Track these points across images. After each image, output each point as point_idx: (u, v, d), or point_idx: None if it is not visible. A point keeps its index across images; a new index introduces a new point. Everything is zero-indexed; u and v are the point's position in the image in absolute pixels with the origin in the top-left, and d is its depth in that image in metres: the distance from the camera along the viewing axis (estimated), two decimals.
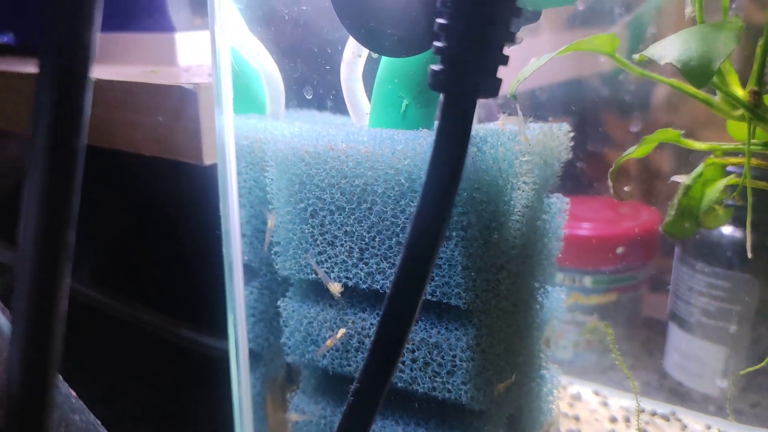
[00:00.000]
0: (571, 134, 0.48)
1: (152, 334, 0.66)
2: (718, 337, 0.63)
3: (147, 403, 0.71)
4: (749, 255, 0.44)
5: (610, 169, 0.47)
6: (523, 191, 0.45)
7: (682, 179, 0.49)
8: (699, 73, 0.39)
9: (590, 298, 0.69)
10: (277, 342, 0.53)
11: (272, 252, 0.48)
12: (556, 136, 0.47)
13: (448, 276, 0.42)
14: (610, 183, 0.47)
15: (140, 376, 0.71)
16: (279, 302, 0.49)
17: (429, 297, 0.43)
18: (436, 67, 0.33)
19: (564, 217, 0.49)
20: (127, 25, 0.61)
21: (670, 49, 0.40)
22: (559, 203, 0.48)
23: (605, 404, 0.62)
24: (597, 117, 0.73)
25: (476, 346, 0.43)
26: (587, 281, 0.69)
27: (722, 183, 0.47)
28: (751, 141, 0.45)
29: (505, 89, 0.50)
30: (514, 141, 0.43)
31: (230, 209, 0.47)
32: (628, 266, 0.70)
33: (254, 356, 0.53)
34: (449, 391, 0.44)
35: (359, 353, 0.47)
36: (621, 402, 0.62)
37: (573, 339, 0.69)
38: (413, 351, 0.45)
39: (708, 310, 0.63)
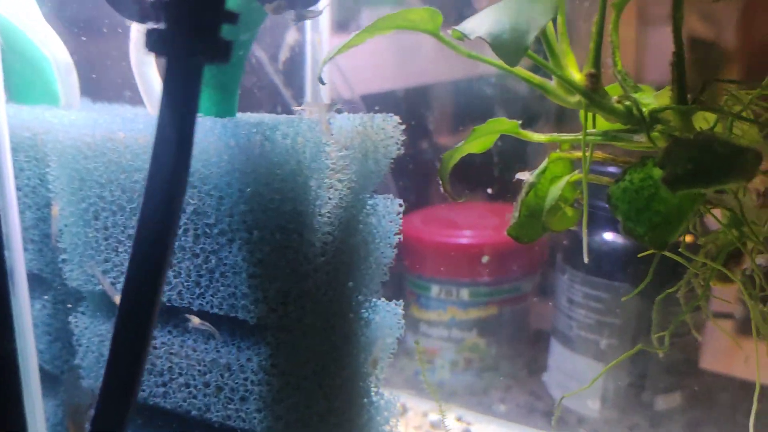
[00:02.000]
0: (403, 127, 0.43)
1: None
2: (596, 353, 0.58)
3: None
4: (585, 259, 0.39)
5: (439, 167, 0.42)
6: (335, 189, 0.39)
7: (526, 176, 0.44)
8: (511, 47, 0.34)
9: (468, 312, 0.63)
10: None
11: (60, 260, 0.42)
12: (380, 129, 0.42)
13: (233, 285, 0.36)
14: (440, 181, 0.42)
15: None
16: (70, 318, 0.43)
17: (216, 310, 0.37)
18: (151, 26, 0.27)
19: (397, 221, 0.43)
20: None
21: (484, 22, 0.35)
22: (390, 205, 0.43)
23: None
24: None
25: (272, 368, 0.37)
26: (464, 294, 0.63)
27: (565, 180, 0.42)
28: (590, 131, 0.40)
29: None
30: (318, 131, 0.38)
31: (8, 209, 0.41)
32: (510, 276, 0.64)
33: (52, 380, 0.46)
34: (243, 419, 0.38)
35: (155, 376, 0.40)
36: (487, 428, 0.57)
37: (450, 358, 0.64)
38: (205, 374, 0.39)
39: (586, 324, 0.58)
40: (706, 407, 0.59)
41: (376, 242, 0.42)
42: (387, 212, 0.43)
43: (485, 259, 0.61)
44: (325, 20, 0.54)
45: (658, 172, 0.34)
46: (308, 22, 0.54)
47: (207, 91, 0.39)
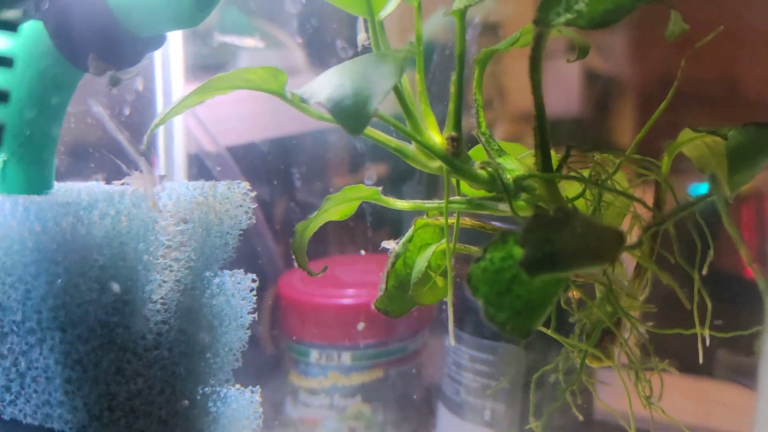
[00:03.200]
0: (253, 194, 0.39)
1: None
2: (483, 419, 0.54)
3: None
4: (451, 342, 0.36)
5: (292, 240, 0.37)
6: (171, 270, 0.35)
7: (392, 245, 0.40)
8: (353, 115, 0.30)
9: (351, 377, 0.59)
10: None
11: None
12: (225, 198, 0.37)
13: (47, 392, 0.31)
14: (293, 255, 0.38)
15: None
16: None
17: (30, 420, 0.32)
18: None
19: (250, 299, 0.39)
20: None
21: (325, 85, 0.32)
22: (241, 281, 0.38)
23: None
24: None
25: None
26: (346, 358, 0.59)
27: (432, 249, 0.39)
28: (454, 198, 0.37)
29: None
30: (146, 207, 0.33)
31: None
32: (396, 337, 0.61)
33: None
34: None
35: None
36: None
37: (333, 427, 0.59)
38: None
39: (473, 388, 0.55)
40: None
41: (224, 325, 0.38)
42: (237, 290, 0.38)
43: (361, 326, 0.58)
44: (177, 68, 0.50)
45: (519, 251, 0.31)
46: (158, 72, 0.50)
47: (14, 164, 0.34)
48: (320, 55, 0.59)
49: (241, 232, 0.39)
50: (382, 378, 0.60)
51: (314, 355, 0.59)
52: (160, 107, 0.50)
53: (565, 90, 0.72)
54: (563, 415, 0.54)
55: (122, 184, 0.33)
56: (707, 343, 0.34)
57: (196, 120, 0.55)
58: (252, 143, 0.59)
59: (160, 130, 0.52)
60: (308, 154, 0.62)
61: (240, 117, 0.58)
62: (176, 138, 0.52)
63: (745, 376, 0.59)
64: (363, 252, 0.59)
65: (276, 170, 0.61)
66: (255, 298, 0.39)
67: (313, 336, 0.59)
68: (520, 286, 0.30)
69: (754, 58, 0.62)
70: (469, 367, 0.55)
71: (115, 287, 0.31)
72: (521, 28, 0.38)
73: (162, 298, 0.34)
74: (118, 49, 0.31)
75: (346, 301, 0.60)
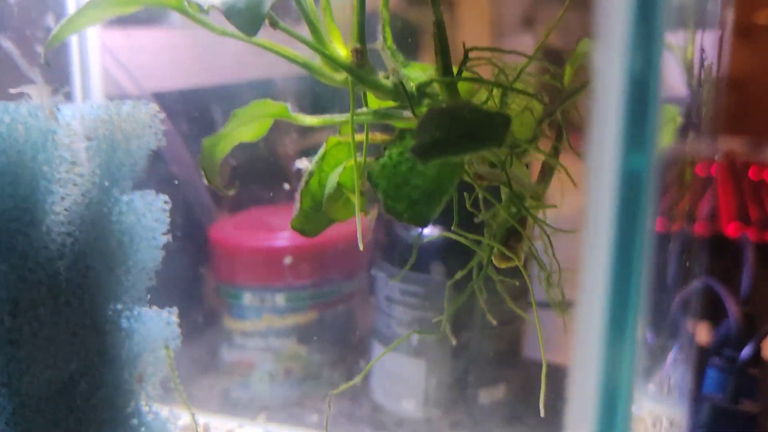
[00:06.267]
0: (161, 116, 0.39)
1: None
2: (415, 351, 0.55)
3: None
4: (360, 246, 0.36)
5: (200, 157, 0.37)
6: (75, 184, 0.35)
7: (305, 164, 0.40)
8: (247, 17, 0.31)
9: (285, 318, 0.59)
10: None
11: None
12: (133, 118, 0.37)
13: None
14: (202, 172, 0.38)
15: None
16: None
17: None
18: None
19: (163, 219, 0.39)
20: None
21: None
22: (153, 201, 0.38)
23: None
24: None
25: (2, 387, 0.32)
26: (280, 299, 0.59)
27: (342, 165, 0.39)
28: (361, 110, 0.37)
29: None
30: (43, 118, 0.33)
31: None
32: (330, 278, 0.61)
33: None
34: None
35: None
36: None
37: (269, 368, 0.60)
38: None
39: (404, 321, 0.55)
40: (530, 397, 0.57)
41: (135, 243, 0.38)
42: (149, 210, 0.38)
43: (288, 260, 0.58)
44: None
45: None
46: None
47: None
48: None
49: (175, 182, 0.39)
50: (317, 319, 0.61)
51: (247, 297, 0.59)
52: (74, 39, 0.49)
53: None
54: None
55: (17, 92, 0.33)
56: None
57: (114, 60, 0.54)
58: (182, 90, 0.59)
59: (76, 70, 0.51)
60: (237, 103, 0.61)
61: (168, 63, 0.58)
62: (93, 78, 0.51)
63: None
64: (287, 186, 0.59)
65: (207, 119, 0.61)
66: (168, 220, 0.39)
67: (246, 278, 0.60)
68: (417, 176, 0.31)
69: None
70: (400, 300, 0.56)
71: None
72: None
73: (66, 210, 0.34)
74: None
75: (279, 242, 0.60)
